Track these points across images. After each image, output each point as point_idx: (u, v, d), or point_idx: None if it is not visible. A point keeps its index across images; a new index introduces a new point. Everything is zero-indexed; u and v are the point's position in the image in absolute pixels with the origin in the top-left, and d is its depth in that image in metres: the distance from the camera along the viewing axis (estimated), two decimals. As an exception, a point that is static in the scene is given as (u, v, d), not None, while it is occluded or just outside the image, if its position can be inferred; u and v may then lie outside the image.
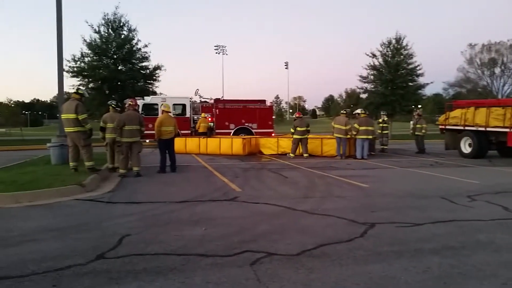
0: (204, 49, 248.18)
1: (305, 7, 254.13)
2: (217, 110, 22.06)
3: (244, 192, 7.68)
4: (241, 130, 22.08)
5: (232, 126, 22.14)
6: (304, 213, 5.90)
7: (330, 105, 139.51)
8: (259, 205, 6.53)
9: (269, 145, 16.76)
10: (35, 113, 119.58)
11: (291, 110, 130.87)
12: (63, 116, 9.48)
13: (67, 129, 9.47)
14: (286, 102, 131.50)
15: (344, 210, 6.05)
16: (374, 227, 5.11)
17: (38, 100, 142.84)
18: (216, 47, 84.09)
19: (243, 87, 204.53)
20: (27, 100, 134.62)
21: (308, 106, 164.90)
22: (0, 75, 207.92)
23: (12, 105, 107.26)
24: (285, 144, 16.24)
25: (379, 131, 17.45)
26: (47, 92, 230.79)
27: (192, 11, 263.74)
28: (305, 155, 14.83)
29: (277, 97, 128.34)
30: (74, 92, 9.78)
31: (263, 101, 23.31)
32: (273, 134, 21.88)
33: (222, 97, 27.56)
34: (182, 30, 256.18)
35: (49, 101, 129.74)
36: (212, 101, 23.31)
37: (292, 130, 15.05)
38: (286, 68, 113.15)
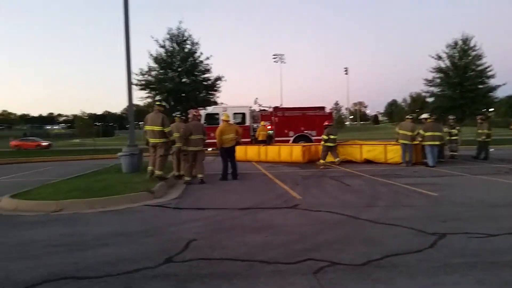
0: (262, 58, 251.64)
1: (364, 10, 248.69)
2: (276, 118, 22.18)
3: (305, 200, 7.62)
4: (300, 137, 21.98)
5: (291, 133, 22.12)
6: (369, 222, 5.72)
7: (393, 110, 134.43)
8: (320, 213, 6.44)
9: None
10: (106, 124, 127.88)
11: (351, 117, 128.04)
12: (148, 127, 10.01)
13: (152, 140, 10.00)
14: (346, 109, 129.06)
15: (412, 220, 5.79)
16: (445, 237, 4.83)
17: (109, 112, 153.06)
18: (274, 56, 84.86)
19: (302, 95, 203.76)
20: (99, 112, 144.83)
21: (370, 111, 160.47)
22: (76, 89, 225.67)
23: (86, 117, 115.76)
24: (346, 151, 15.90)
25: (448, 137, 16.49)
26: (117, 105, 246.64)
27: (250, 21, 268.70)
28: (336, 160, 14.38)
29: (336, 104, 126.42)
30: (158, 104, 10.34)
31: (322, 108, 23.06)
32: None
33: (281, 105, 27.70)
34: (241, 41, 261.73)
35: (119, 113, 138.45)
36: (271, 109, 23.50)
37: (325, 137, 14.67)
38: (345, 73, 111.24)
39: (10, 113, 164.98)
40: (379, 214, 6.24)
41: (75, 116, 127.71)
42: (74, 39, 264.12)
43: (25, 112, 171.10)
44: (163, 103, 10.48)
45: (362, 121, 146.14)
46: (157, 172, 9.86)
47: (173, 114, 11.83)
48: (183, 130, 10.35)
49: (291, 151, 16.57)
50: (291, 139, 21.96)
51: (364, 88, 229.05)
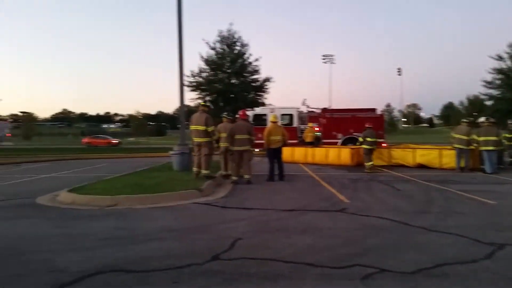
0: (311, 59, 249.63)
1: (419, 9, 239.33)
2: (324, 120, 21.89)
3: (353, 204, 7.46)
4: (350, 140, 21.53)
5: (339, 136, 21.72)
6: (420, 229, 5.49)
7: (449, 113, 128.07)
8: (369, 218, 6.27)
9: (380, 155, 16.01)
10: (159, 124, 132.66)
11: (405, 119, 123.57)
12: (193, 127, 10.29)
13: (196, 139, 10.28)
14: (398, 111, 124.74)
15: (467, 228, 5.48)
16: (504, 248, 4.53)
17: (162, 112, 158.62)
18: (323, 57, 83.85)
19: (352, 96, 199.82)
20: (152, 112, 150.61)
21: (424, 114, 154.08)
22: (132, 90, 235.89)
23: (140, 117, 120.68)
24: (398, 155, 15.39)
25: (507, 142, 15.43)
26: (169, 105, 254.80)
27: (300, 21, 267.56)
28: (368, 164, 13.76)
29: (388, 105, 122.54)
30: (202, 105, 10.62)
31: (373, 110, 22.46)
32: (384, 145, 20.89)
33: (329, 106, 27.32)
34: (290, 42, 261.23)
35: (171, 113, 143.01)
36: (319, 111, 23.23)
37: (360, 139, 14.18)
38: (399, 74, 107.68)
39: (70, 112, 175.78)
40: (431, 221, 5.98)
41: (130, 116, 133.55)
42: (131, 41, 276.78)
43: (84, 111, 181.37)
44: (208, 104, 10.73)
45: (416, 124, 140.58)
46: (204, 171, 10.08)
47: (222, 115, 12.01)
48: (228, 131, 10.53)
49: (339, 154, 16.29)
50: (340, 141, 21.57)
51: (419, 89, 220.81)
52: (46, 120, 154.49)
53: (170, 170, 12.00)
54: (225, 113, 11.95)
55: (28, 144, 52.77)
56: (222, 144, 11.22)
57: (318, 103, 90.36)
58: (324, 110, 22.99)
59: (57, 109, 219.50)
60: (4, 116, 26.52)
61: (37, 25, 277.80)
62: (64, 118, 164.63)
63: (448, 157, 14.12)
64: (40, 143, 55.26)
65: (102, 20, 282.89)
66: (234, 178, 10.50)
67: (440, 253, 4.37)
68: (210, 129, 10.10)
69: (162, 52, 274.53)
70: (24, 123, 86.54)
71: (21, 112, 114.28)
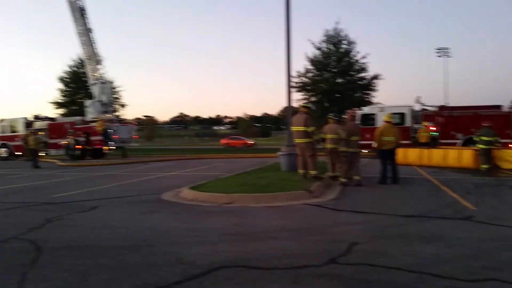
0: (423, 53, 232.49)
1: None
2: (441, 119, 20.21)
3: (481, 211, 6.74)
4: (471, 140, 19.51)
5: (459, 136, 19.84)
6: None
7: None
8: (502, 227, 5.61)
9: (508, 157, 14.23)
10: (264, 125, 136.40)
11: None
12: (293, 128, 10.46)
13: (297, 140, 10.40)
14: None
15: None
16: None
17: (267, 114, 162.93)
18: (437, 50, 77.39)
19: (472, 93, 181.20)
20: (258, 114, 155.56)
21: None
22: (241, 93, 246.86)
23: (247, 119, 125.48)
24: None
25: None
26: (274, 107, 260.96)
27: (410, 14, 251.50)
28: (484, 166, 11.99)
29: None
30: (302, 106, 10.71)
31: (498, 107, 20.08)
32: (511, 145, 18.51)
33: (447, 103, 25.14)
34: (400, 36, 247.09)
35: (276, 115, 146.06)
36: (435, 109, 21.54)
37: (475, 139, 12.58)
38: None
39: (185, 115, 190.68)
40: None
41: (238, 118, 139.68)
42: (239, 46, 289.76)
43: (198, 114, 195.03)
44: (308, 105, 10.84)
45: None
46: (312, 172, 10.06)
47: (328, 115, 11.83)
48: (346, 132, 10.32)
49: (461, 155, 14.91)
50: (460, 141, 19.69)
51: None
52: (165, 123, 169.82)
53: (278, 171, 12.24)
54: (331, 114, 11.74)
55: (150, 145, 58.75)
56: (329, 146, 11.07)
57: (432, 100, 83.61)
58: (442, 107, 21.26)
59: (175, 112, 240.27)
60: (131, 120, 30.05)
61: (164, 38, 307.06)
62: (181, 121, 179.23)
63: None
64: (161, 144, 61.11)
65: (213, 27, 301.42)
66: (343, 180, 10.29)
67: None
68: (310, 129, 10.07)
69: (267, 54, 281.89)
70: (147, 126, 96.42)
71: (144, 116, 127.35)
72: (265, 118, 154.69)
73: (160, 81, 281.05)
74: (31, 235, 5.47)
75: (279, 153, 12.63)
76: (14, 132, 25.88)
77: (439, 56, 78.13)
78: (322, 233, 5.40)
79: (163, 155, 26.70)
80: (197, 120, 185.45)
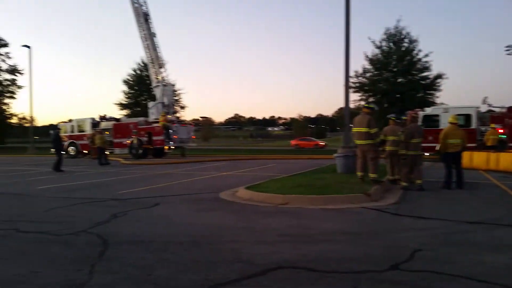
0: (491, 51, 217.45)
1: None
2: (510, 120, 18.80)
3: (561, 221, 6.18)
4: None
5: (532, 139, 18.35)
6: None
7: None
8: None
9: None
10: (319, 126, 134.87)
11: None
12: (355, 129, 10.17)
13: (358, 142, 10.12)
14: None
15: None
16: None
17: (321, 115, 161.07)
18: (507, 48, 72.08)
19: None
20: (312, 115, 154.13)
21: None
22: (295, 94, 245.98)
23: (301, 120, 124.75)
24: None
25: None
26: (328, 108, 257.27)
27: (477, 10, 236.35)
28: None
29: None
30: (365, 107, 10.41)
31: None
32: None
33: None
34: (466, 33, 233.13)
35: (330, 116, 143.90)
36: (504, 110, 20.08)
37: None
38: None
39: (240, 116, 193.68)
40: None
41: (292, 119, 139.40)
42: (294, 46, 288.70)
43: (252, 115, 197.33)
44: (371, 105, 10.43)
45: None
46: (372, 175, 9.76)
47: (388, 116, 11.41)
48: (405, 134, 9.93)
49: (534, 160, 13.75)
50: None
51: None
52: (220, 124, 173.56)
53: (334, 172, 12.04)
54: (392, 115, 11.33)
55: (207, 145, 60.26)
56: (389, 148, 10.69)
57: (501, 101, 78.00)
58: (511, 109, 19.75)
59: (230, 114, 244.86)
60: (189, 121, 31.31)
61: (220, 41, 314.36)
62: (236, 122, 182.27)
63: None
64: (217, 145, 62.51)
65: (268, 28, 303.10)
66: (404, 184, 9.89)
67: None
68: (373, 131, 9.74)
69: (322, 54, 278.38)
70: (203, 126, 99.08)
71: (201, 117, 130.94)
72: (320, 119, 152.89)
73: (216, 83, 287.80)
74: (98, 229, 5.82)
75: (335, 154, 12.41)
76: (82, 131, 27.69)
77: (509, 54, 73.25)
78: (382, 238, 5.23)
79: (219, 155, 27.27)
80: (252, 121, 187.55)
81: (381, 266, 3.99)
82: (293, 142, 49.07)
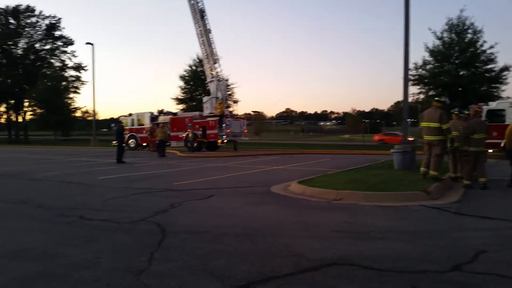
0: None
1: None
2: None
3: None
4: None
5: None
6: None
7: None
8: None
9: None
10: (373, 121, 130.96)
11: None
12: (424, 123, 9.69)
13: (426, 137, 9.67)
14: None
15: None
16: None
17: (376, 109, 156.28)
18: None
19: None
20: (367, 110, 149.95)
21: None
22: (348, 88, 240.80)
23: (355, 114, 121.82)
24: None
25: None
26: (384, 102, 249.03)
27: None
28: None
29: None
30: (435, 100, 9.91)
31: None
32: None
33: None
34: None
35: (386, 110, 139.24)
36: None
37: None
38: None
39: (292, 111, 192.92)
40: None
41: (345, 113, 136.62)
42: (348, 40, 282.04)
43: (304, 110, 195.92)
44: (442, 99, 9.80)
45: None
46: (432, 172, 9.32)
47: (451, 111, 10.79)
48: (465, 128, 9.39)
49: None
50: None
51: None
52: (272, 118, 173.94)
53: (390, 169, 11.64)
54: (456, 109, 10.73)
55: (258, 139, 60.67)
56: (454, 144, 10.13)
57: None
58: None
59: (282, 108, 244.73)
60: (241, 115, 31.76)
61: (271, 35, 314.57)
62: (287, 116, 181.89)
63: None
64: (268, 139, 62.76)
65: (321, 20, 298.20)
66: (466, 182, 9.35)
67: None
68: (444, 126, 9.24)
69: (377, 46, 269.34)
70: (255, 120, 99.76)
71: (253, 111, 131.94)
72: (374, 113, 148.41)
73: (268, 77, 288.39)
74: (156, 218, 6.08)
75: (393, 150, 11.98)
76: (141, 125, 28.98)
77: None
78: (442, 238, 5.00)
79: (270, 149, 27.36)
80: (303, 115, 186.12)
81: (442, 266, 3.82)
82: (376, 137, 46.76)
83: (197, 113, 28.01)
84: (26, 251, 4.47)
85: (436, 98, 9.88)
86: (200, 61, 37.78)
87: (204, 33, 26.80)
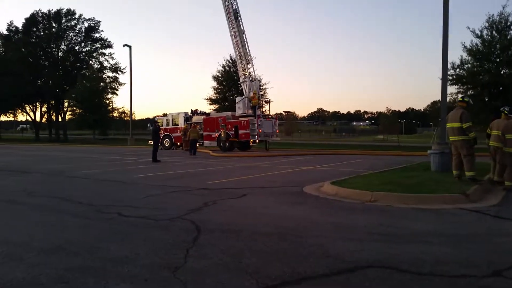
0: None
1: None
2: None
3: None
4: None
5: None
6: None
7: None
8: None
9: None
10: (409, 121, 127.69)
11: None
12: (448, 125, 9.54)
13: (451, 138, 9.50)
14: None
15: None
16: None
17: (412, 109, 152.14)
18: None
19: None
20: (402, 109, 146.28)
21: None
22: (382, 88, 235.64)
23: (390, 114, 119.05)
24: None
25: None
26: (421, 101, 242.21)
27: None
28: None
29: None
30: (459, 100, 9.69)
31: None
32: None
33: None
34: None
35: (422, 110, 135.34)
36: None
37: None
38: None
39: (324, 111, 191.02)
40: None
41: (379, 113, 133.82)
42: (382, 39, 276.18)
43: (336, 109, 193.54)
44: (466, 99, 9.59)
45: None
46: (468, 173, 9.05)
47: (501, 109, 10.23)
48: (503, 128, 9.05)
49: None
50: None
51: None
52: (303, 118, 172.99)
53: (426, 170, 11.33)
54: (506, 108, 10.15)
55: (290, 139, 60.44)
56: (492, 143, 9.76)
57: None
58: None
59: (313, 108, 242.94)
60: (273, 115, 31.73)
61: (304, 35, 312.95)
62: (319, 117, 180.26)
63: None
64: (300, 139, 62.39)
65: (355, 18, 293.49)
66: (508, 184, 8.99)
67: None
68: (465, 125, 9.01)
69: (414, 45, 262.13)
70: (287, 121, 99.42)
71: (285, 111, 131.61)
72: (410, 114, 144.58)
73: (301, 77, 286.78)
74: (191, 216, 6.21)
75: (430, 151, 11.65)
76: (175, 125, 29.58)
77: None
78: (482, 242, 4.83)
79: (302, 149, 27.23)
80: (336, 115, 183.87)
81: (481, 271, 3.70)
82: None
83: (229, 113, 28.29)
84: (67, 246, 4.67)
85: (460, 98, 9.69)
86: (233, 61, 38.12)
87: (238, 34, 27.03)
